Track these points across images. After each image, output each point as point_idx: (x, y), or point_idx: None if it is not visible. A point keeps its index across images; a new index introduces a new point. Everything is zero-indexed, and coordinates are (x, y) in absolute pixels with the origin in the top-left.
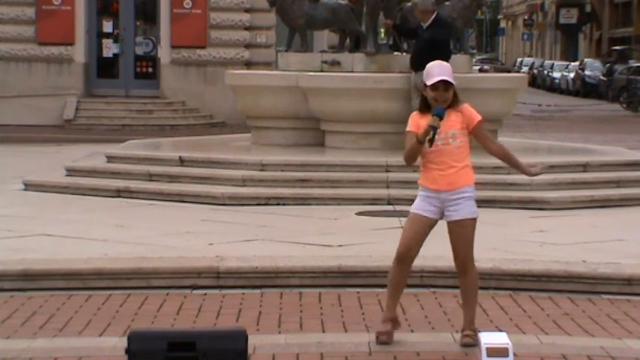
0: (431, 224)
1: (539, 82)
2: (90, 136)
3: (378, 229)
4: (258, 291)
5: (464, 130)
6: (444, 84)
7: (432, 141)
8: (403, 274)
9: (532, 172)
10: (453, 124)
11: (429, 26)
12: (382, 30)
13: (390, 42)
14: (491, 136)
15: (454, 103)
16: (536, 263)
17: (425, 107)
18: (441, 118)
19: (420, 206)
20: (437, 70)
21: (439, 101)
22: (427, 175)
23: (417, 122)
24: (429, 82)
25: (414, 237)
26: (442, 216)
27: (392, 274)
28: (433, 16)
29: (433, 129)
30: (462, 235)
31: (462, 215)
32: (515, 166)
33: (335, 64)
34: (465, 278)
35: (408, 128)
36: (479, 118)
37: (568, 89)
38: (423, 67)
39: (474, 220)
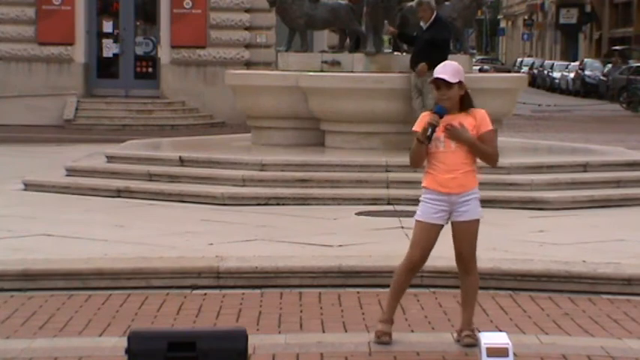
0: (440, 230)
1: (539, 82)
2: (90, 136)
3: (378, 229)
4: (258, 291)
5: (475, 135)
6: (443, 82)
7: (429, 138)
8: (410, 280)
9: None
10: (468, 127)
11: (429, 26)
12: (386, 38)
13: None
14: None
15: (466, 105)
16: (536, 263)
17: None
18: (441, 116)
19: (428, 213)
20: (438, 70)
21: (441, 99)
22: (435, 178)
23: (423, 121)
24: (429, 81)
25: (427, 246)
26: (449, 219)
27: (399, 279)
28: (433, 17)
29: (431, 126)
30: (467, 235)
31: (471, 216)
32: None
33: (335, 64)
34: (468, 278)
35: (414, 127)
36: (489, 127)
37: (568, 89)
38: None
39: (479, 221)
